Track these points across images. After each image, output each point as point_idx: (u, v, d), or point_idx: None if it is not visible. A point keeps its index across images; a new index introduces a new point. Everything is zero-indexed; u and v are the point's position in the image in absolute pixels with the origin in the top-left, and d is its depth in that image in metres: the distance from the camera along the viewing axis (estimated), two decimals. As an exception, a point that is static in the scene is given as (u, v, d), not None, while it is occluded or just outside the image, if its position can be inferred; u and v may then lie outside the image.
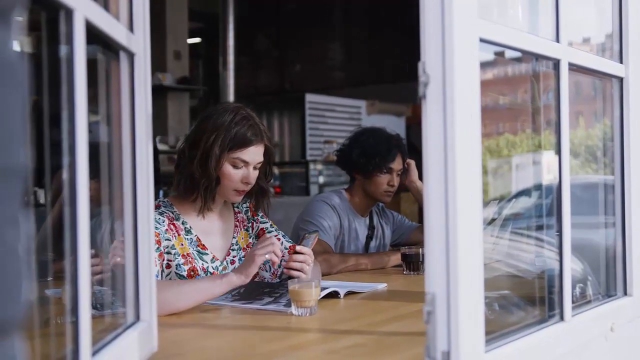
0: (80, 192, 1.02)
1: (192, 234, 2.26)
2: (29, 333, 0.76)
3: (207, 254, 2.28)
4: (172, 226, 2.22)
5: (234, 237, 2.39)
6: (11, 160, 0.50)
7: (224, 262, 2.32)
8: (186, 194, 2.27)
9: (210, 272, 2.25)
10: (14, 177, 0.51)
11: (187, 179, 2.24)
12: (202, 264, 2.24)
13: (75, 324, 1.02)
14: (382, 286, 2.39)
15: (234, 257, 2.36)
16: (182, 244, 2.22)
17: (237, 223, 2.42)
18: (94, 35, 1.13)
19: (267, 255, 2.03)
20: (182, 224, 2.26)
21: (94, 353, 1.10)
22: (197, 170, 2.21)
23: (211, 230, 2.33)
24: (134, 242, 1.39)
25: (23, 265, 0.53)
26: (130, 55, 1.36)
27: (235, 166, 2.24)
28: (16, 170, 0.51)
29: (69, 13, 1.01)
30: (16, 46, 0.54)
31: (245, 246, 2.41)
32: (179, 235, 2.23)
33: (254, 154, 2.26)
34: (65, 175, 1.03)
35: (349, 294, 2.22)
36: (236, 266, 2.30)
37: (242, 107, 2.29)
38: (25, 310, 0.55)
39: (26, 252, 0.53)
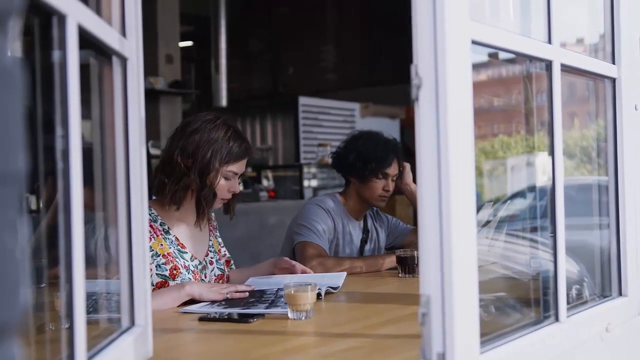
0: (74, 197, 1.02)
1: (170, 234, 2.34)
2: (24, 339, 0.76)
3: (187, 252, 2.36)
4: (149, 228, 2.26)
5: (210, 240, 2.50)
6: (10, 166, 0.50)
7: (203, 262, 2.42)
8: (181, 203, 2.32)
9: (192, 270, 2.34)
10: (13, 182, 0.51)
11: (182, 190, 2.31)
12: (184, 262, 2.33)
13: (71, 330, 1.02)
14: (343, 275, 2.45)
15: (211, 258, 2.47)
16: (161, 245, 2.29)
17: (211, 228, 2.54)
18: (86, 40, 1.13)
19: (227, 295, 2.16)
20: (160, 225, 2.33)
21: (89, 358, 1.10)
22: (195, 183, 2.29)
23: (189, 233, 2.41)
24: (128, 247, 1.38)
25: (21, 270, 0.53)
26: (123, 60, 1.36)
27: (226, 178, 2.34)
28: (15, 175, 0.51)
29: (62, 18, 1.01)
30: (12, 52, 0.54)
31: (217, 250, 2.52)
32: (157, 236, 2.30)
33: (243, 165, 2.39)
34: (59, 180, 1.02)
35: (329, 293, 2.26)
36: (215, 267, 2.45)
37: (228, 119, 2.40)
38: (23, 315, 0.55)
39: (24, 256, 0.53)
